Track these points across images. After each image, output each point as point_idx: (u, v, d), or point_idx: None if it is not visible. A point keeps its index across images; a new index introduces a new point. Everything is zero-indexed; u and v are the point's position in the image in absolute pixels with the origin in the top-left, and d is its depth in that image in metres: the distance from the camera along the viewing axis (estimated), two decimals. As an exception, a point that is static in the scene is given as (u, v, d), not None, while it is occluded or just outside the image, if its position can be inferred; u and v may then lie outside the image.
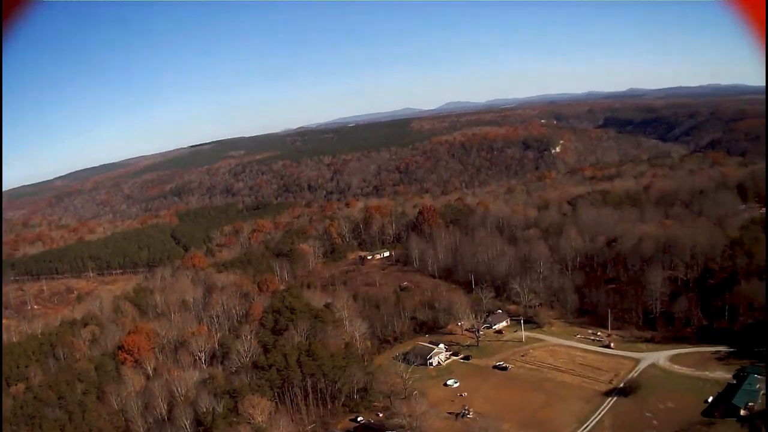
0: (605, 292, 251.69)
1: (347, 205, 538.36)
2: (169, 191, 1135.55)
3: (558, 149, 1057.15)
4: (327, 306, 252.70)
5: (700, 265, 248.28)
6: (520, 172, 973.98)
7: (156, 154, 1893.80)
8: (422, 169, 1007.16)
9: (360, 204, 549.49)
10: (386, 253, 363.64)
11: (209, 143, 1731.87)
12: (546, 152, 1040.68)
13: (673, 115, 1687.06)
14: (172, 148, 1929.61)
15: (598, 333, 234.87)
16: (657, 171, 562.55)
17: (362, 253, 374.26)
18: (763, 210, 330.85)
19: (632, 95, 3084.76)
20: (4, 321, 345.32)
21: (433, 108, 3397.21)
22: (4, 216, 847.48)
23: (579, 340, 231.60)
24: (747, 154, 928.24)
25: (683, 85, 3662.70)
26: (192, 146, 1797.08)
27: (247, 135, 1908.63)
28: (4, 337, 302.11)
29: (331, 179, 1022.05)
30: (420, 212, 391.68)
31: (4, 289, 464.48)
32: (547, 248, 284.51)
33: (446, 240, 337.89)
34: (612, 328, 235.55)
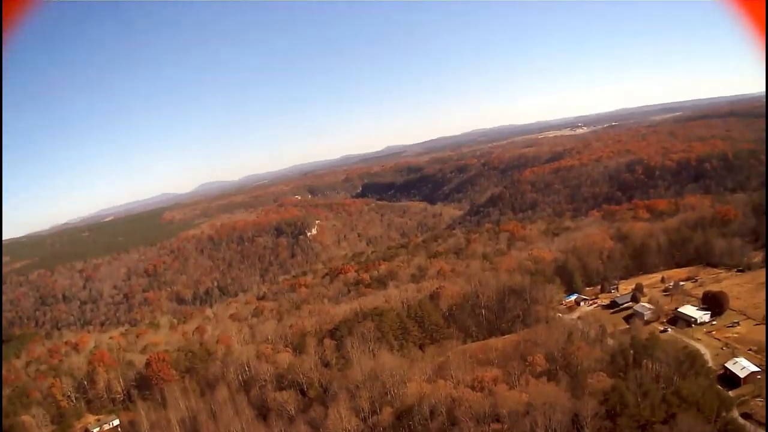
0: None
1: (76, 346, 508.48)
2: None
3: (314, 231, 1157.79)
4: None
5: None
6: (275, 262, 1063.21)
7: None
8: (171, 270, 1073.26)
9: (91, 343, 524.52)
10: (116, 422, 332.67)
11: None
12: (301, 236, 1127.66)
13: (438, 172, 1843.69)
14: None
15: None
16: (440, 261, 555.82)
17: (89, 422, 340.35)
18: None
19: (390, 154, 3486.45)
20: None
21: (187, 191, 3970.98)
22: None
23: None
24: (533, 208, 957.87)
25: (445, 135, 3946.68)
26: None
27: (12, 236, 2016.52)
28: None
29: (84, 287, 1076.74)
30: (148, 363, 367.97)
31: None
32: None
33: (181, 405, 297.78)
34: None
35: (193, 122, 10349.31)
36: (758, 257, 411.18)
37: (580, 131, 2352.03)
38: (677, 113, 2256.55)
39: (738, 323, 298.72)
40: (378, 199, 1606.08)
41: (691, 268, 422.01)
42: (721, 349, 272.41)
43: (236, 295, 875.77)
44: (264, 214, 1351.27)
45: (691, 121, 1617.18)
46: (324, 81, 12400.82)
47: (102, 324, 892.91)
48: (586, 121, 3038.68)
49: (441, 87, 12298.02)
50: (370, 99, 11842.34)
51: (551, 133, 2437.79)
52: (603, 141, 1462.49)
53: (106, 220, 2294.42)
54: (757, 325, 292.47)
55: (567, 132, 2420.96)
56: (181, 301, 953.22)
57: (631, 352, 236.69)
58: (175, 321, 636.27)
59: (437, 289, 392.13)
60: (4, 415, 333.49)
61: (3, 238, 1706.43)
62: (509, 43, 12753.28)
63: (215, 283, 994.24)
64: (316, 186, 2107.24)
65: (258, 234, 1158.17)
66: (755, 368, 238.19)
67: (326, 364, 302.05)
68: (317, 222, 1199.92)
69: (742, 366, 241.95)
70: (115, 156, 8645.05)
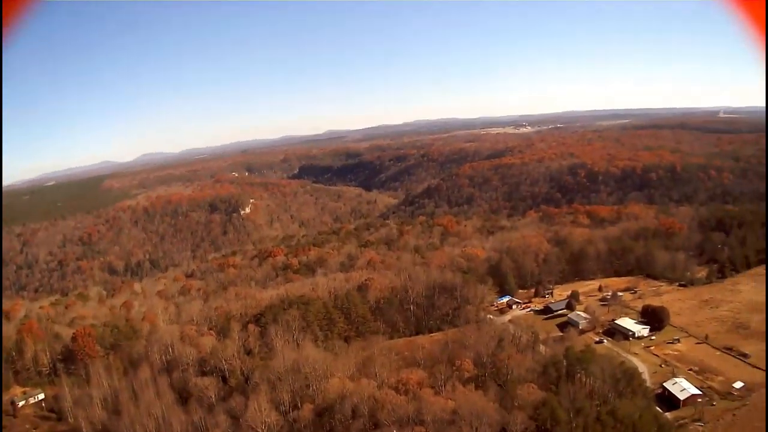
0: None
1: (7, 315, 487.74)
2: None
3: (248, 210, 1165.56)
4: None
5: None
6: (207, 238, 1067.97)
7: None
8: (105, 239, 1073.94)
9: (22, 311, 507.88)
10: (41, 395, 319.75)
11: None
12: (235, 214, 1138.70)
13: (377, 159, 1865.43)
14: None
15: None
16: (370, 251, 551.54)
17: (15, 394, 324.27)
18: None
19: (331, 138, 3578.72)
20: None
21: (129, 161, 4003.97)
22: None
23: None
24: (470, 203, 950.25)
25: (387, 123, 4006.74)
26: None
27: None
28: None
29: (21, 251, 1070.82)
30: (74, 337, 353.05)
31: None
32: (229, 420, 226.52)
33: (104, 383, 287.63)
34: None
35: (139, 92, 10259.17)
36: (702, 272, 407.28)
37: (524, 130, 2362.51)
38: (625, 120, 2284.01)
39: (678, 340, 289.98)
40: (314, 182, 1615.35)
41: (630, 278, 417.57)
42: (660, 366, 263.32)
43: (167, 269, 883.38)
44: (200, 189, 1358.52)
45: (640, 129, 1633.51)
46: (269, 60, 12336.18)
47: (36, 290, 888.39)
48: (531, 120, 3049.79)
49: (386, 76, 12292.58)
50: (313, 81, 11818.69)
51: (494, 130, 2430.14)
52: (547, 142, 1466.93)
53: (48, 184, 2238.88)
54: (698, 343, 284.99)
55: (510, 130, 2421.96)
56: (113, 271, 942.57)
57: (565, 363, 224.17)
58: (105, 293, 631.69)
59: (366, 280, 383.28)
60: None
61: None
62: (455, 37, 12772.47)
63: (147, 256, 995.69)
64: (254, 164, 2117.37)
65: (192, 209, 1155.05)
66: (696, 390, 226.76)
67: (249, 352, 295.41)
68: (251, 201, 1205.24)
69: (682, 387, 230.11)
70: (59, 121, 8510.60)
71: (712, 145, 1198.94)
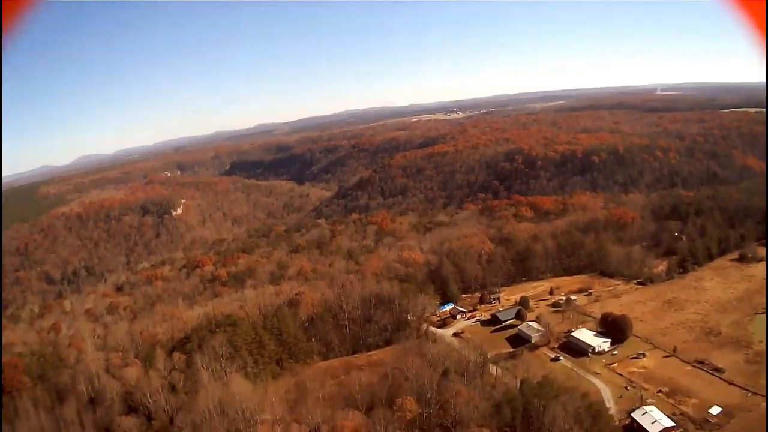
0: None
1: None
2: None
3: (180, 211, 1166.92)
4: None
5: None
6: (140, 242, 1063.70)
7: None
8: (41, 249, 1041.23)
9: None
10: None
11: None
12: (167, 216, 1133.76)
13: (308, 152, 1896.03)
14: None
15: None
16: (301, 258, 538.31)
17: None
18: None
19: (261, 132, 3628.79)
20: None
21: (67, 164, 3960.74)
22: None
23: None
24: (404, 194, 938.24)
25: (317, 115, 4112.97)
26: None
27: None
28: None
29: None
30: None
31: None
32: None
33: (32, 418, 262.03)
34: None
35: (71, 93, 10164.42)
36: (661, 267, 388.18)
37: (455, 116, 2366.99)
38: (560, 102, 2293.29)
39: (644, 354, 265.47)
40: (246, 178, 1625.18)
41: (583, 277, 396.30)
42: (626, 388, 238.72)
43: (102, 275, 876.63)
44: (131, 191, 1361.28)
45: (576, 111, 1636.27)
46: (196, 57, 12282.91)
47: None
48: (462, 106, 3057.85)
49: (313, 68, 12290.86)
50: (242, 76, 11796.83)
51: (425, 117, 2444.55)
52: (480, 128, 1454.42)
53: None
54: (666, 357, 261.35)
55: (441, 116, 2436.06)
56: (50, 281, 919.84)
57: (521, 399, 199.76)
58: (36, 310, 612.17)
59: (296, 295, 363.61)
60: None
61: None
62: (381, 25, 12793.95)
63: (82, 263, 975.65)
64: (185, 162, 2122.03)
65: (124, 212, 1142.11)
66: (669, 422, 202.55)
67: (173, 387, 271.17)
68: (183, 201, 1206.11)
69: (653, 419, 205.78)
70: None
71: (653, 125, 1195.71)
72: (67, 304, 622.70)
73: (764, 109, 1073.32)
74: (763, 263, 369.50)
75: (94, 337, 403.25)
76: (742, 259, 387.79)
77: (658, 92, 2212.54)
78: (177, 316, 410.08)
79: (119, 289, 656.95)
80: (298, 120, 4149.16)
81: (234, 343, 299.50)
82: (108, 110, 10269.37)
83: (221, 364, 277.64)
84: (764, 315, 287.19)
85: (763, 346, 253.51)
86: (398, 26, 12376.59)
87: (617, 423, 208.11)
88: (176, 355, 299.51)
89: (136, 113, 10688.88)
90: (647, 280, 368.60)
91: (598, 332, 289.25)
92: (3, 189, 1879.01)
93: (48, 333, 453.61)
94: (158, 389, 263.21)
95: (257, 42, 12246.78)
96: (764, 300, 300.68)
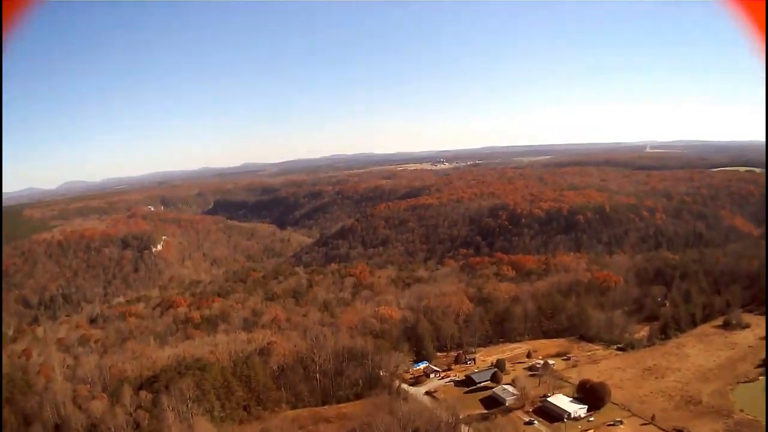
0: None
1: None
2: None
3: (160, 247, 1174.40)
4: None
5: None
6: (119, 275, 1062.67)
7: None
8: (20, 272, 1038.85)
9: None
10: None
11: None
12: (146, 251, 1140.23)
13: (292, 196, 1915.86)
14: None
15: None
16: (276, 307, 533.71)
17: None
18: None
19: (247, 171, 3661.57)
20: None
21: (53, 188, 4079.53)
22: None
23: None
24: (385, 245, 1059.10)
25: (304, 158, 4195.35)
26: None
27: None
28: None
29: None
30: None
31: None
32: None
33: None
34: None
35: (62, 117, 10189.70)
36: (642, 332, 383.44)
37: (442, 167, 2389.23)
38: (548, 156, 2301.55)
39: (621, 422, 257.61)
40: (228, 218, 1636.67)
41: (562, 340, 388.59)
42: None
43: (79, 304, 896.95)
44: (113, 223, 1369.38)
45: (564, 167, 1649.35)
46: (187, 90, 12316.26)
47: None
48: (449, 156, 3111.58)
49: (303, 109, 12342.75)
50: (230, 113, 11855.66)
51: (411, 166, 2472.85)
52: (465, 180, 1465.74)
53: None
54: (644, 425, 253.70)
55: (428, 166, 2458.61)
56: (27, 305, 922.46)
57: None
58: (10, 333, 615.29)
59: (269, 343, 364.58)
60: None
61: None
62: (374, 71, 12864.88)
63: (60, 291, 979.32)
64: (169, 198, 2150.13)
65: (105, 244, 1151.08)
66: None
67: (138, 424, 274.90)
68: (164, 238, 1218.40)
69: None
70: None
71: (641, 183, 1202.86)
72: (40, 331, 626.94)
73: (755, 169, 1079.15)
74: (748, 330, 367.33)
75: (63, 367, 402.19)
76: (726, 326, 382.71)
77: (648, 150, 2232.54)
78: (147, 354, 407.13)
79: (93, 321, 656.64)
80: (285, 161, 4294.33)
81: (202, 386, 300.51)
82: (97, 138, 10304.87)
83: (188, 406, 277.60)
84: (747, 384, 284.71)
85: (745, 415, 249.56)
86: (390, 75, 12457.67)
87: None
88: (143, 393, 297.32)
89: (125, 143, 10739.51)
90: (628, 346, 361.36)
91: (575, 398, 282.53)
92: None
93: (19, 357, 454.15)
94: (123, 425, 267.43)
95: (249, 78, 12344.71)
96: (748, 369, 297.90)
